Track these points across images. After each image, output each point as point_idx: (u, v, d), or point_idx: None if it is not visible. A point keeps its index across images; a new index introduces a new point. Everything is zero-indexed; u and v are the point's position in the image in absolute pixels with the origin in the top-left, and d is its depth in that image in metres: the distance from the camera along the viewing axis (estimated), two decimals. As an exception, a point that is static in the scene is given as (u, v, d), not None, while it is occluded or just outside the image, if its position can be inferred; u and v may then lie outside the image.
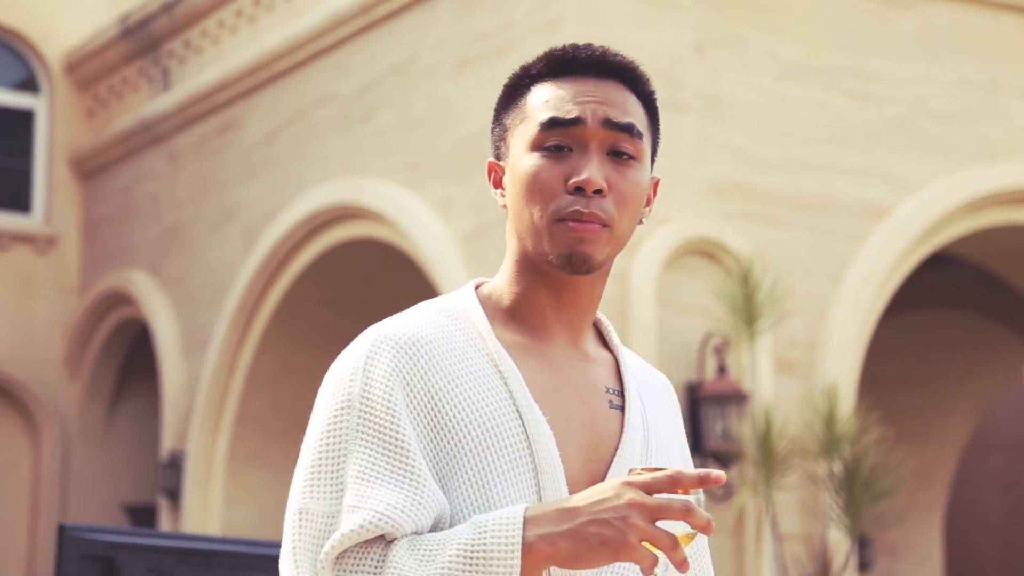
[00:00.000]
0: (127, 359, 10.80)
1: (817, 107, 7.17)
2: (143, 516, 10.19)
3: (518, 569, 1.47)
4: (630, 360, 1.72)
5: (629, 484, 1.46)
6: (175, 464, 9.26)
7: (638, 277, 6.48)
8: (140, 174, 10.31)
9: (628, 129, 1.59)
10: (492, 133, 1.67)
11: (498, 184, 1.67)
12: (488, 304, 1.65)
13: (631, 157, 1.60)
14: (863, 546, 10.58)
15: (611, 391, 1.66)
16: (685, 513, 1.43)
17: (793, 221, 7.05)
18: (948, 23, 7.49)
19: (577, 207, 1.56)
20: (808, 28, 7.21)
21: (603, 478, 1.60)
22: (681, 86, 6.76)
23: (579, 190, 1.57)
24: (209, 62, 9.64)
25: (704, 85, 6.89)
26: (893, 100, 7.32)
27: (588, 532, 1.46)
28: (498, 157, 1.66)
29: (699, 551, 1.73)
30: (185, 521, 9.13)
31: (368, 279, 8.75)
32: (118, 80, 10.71)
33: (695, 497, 1.47)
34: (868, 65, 7.30)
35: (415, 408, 1.56)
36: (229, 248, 9.17)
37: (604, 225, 1.57)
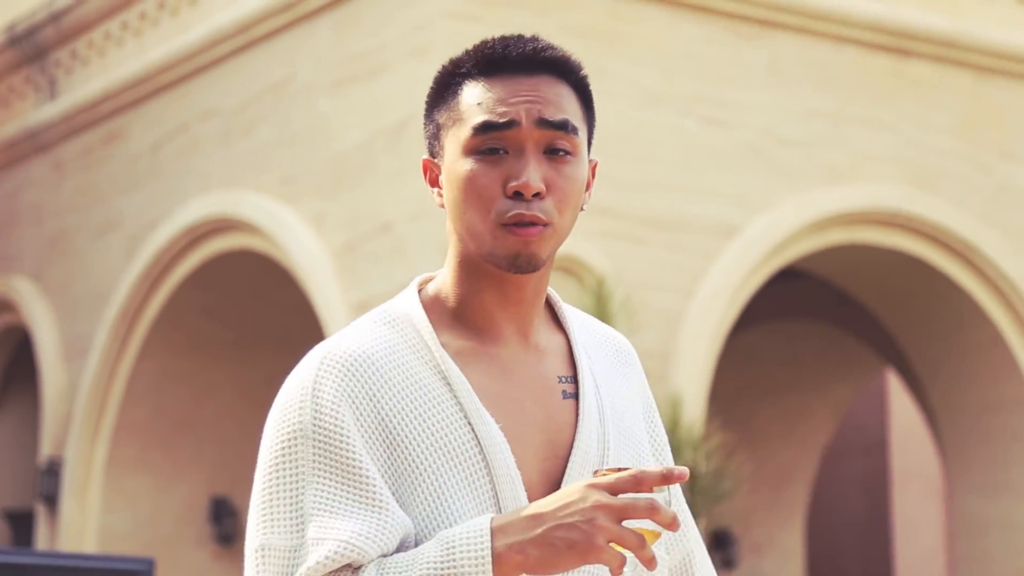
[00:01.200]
0: (10, 365, 10.92)
1: (672, 132, 7.58)
2: (22, 522, 10.30)
3: None
4: (585, 331, 1.69)
5: (594, 486, 1.46)
6: (53, 470, 9.38)
7: (498, 291, 6.83)
8: (24, 181, 10.46)
9: (563, 127, 1.56)
10: (424, 129, 1.63)
11: (434, 183, 1.63)
12: (434, 307, 1.61)
13: (567, 153, 1.57)
14: (728, 545, 11.05)
15: (564, 379, 1.62)
16: (650, 511, 1.43)
17: (649, 239, 7.45)
18: (795, 54, 7.95)
19: (519, 211, 1.54)
20: (665, 58, 7.62)
21: (561, 475, 1.59)
22: (544, 110, 7.12)
23: (518, 194, 1.54)
24: (95, 73, 9.83)
25: (566, 109, 7.26)
26: (744, 126, 7.76)
27: (555, 537, 1.45)
28: (432, 155, 1.63)
29: (675, 537, 1.71)
30: (62, 527, 9.28)
31: (247, 289, 9.02)
32: (4, 88, 10.84)
33: (661, 495, 1.46)
34: (721, 93, 7.73)
35: (366, 430, 1.53)
36: (111, 256, 9.38)
37: (546, 225, 1.55)
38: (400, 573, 1.48)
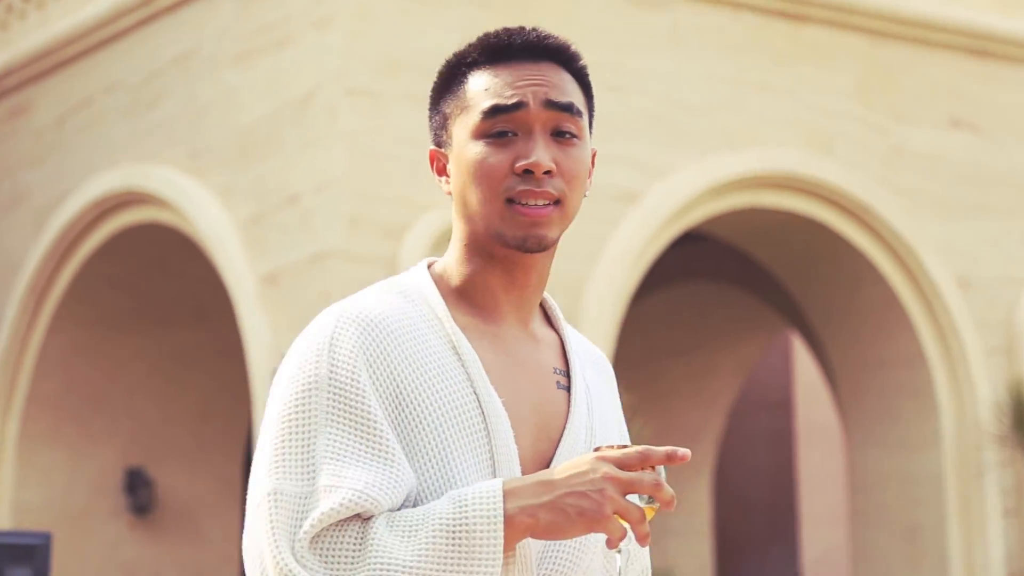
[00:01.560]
0: None
1: (575, 100, 7.71)
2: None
3: (502, 541, 1.49)
4: (573, 339, 1.73)
5: (604, 459, 1.49)
6: None
7: (405, 261, 6.94)
8: (-71, 156, 10.37)
9: (569, 108, 1.60)
10: (430, 120, 1.67)
11: (442, 172, 1.66)
12: (440, 284, 1.65)
13: (573, 135, 1.61)
14: (638, 504, 11.29)
15: (558, 372, 1.67)
16: (655, 488, 1.48)
17: (553, 206, 7.58)
18: (695, 22, 8.10)
19: (528, 187, 1.57)
20: (567, 26, 7.73)
21: (551, 457, 1.63)
22: (448, 80, 7.22)
23: (528, 172, 1.57)
24: (-2, 46, 9.76)
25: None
26: (645, 93, 7.90)
27: (566, 503, 1.48)
28: (439, 145, 1.66)
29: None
30: None
31: (157, 262, 9.03)
32: (-95, 62, 10.72)
33: (660, 475, 1.50)
34: (622, 61, 7.87)
35: (379, 387, 1.56)
36: (19, 231, 9.34)
37: (556, 202, 1.59)
38: (411, 527, 1.50)
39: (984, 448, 8.38)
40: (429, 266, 1.68)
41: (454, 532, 1.49)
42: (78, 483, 9.47)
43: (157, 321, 9.34)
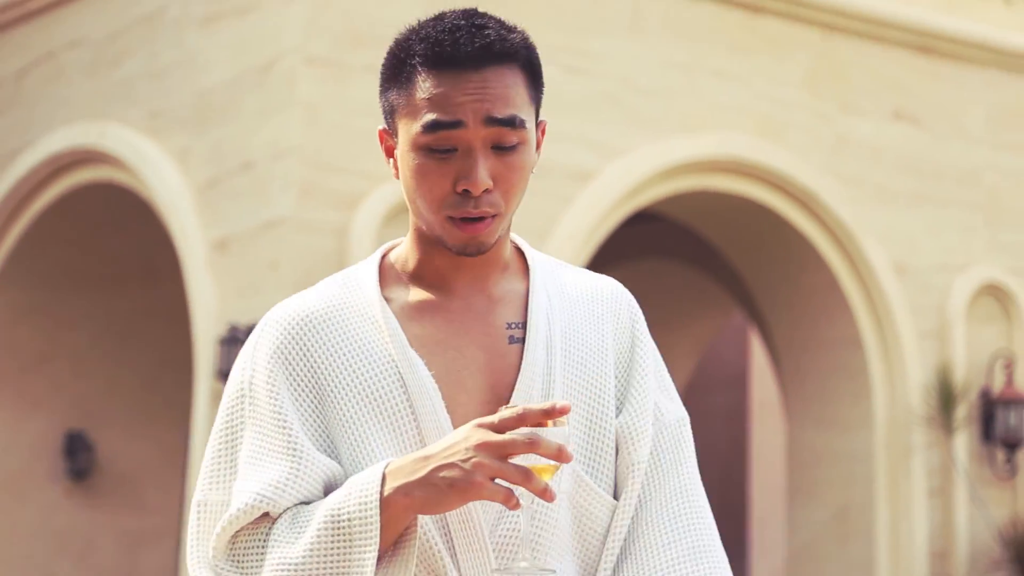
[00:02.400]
0: None
1: (533, 78, 7.83)
2: None
3: (377, 527, 1.51)
4: (555, 279, 1.73)
5: (480, 426, 1.50)
6: None
7: (357, 232, 7.05)
8: None
9: (511, 122, 1.62)
10: (380, 99, 1.68)
11: (390, 153, 1.69)
12: (392, 269, 1.70)
13: (515, 145, 1.63)
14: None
15: (512, 326, 1.68)
16: (531, 446, 1.47)
17: (507, 182, 7.72)
18: (655, 8, 8.23)
19: (467, 208, 1.61)
20: (527, 8, 7.85)
21: None
22: (408, 54, 7.31)
23: (467, 191, 1.61)
24: (-43, -4, 9.74)
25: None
26: (603, 75, 8.04)
27: (437, 477, 1.50)
28: (387, 127, 1.68)
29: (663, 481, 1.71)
30: None
31: (111, 221, 9.07)
32: None
33: (563, 430, 1.49)
34: (582, 43, 7.99)
35: (299, 385, 1.61)
36: (-27, 183, 9.35)
37: (493, 216, 1.62)
38: (307, 521, 1.54)
39: (913, 429, 8.63)
40: (387, 252, 1.73)
41: (335, 522, 1.52)
42: (16, 445, 9.30)
43: (110, 280, 9.36)
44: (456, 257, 1.66)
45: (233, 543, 1.57)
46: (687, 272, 10.79)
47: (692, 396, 12.98)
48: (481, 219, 1.61)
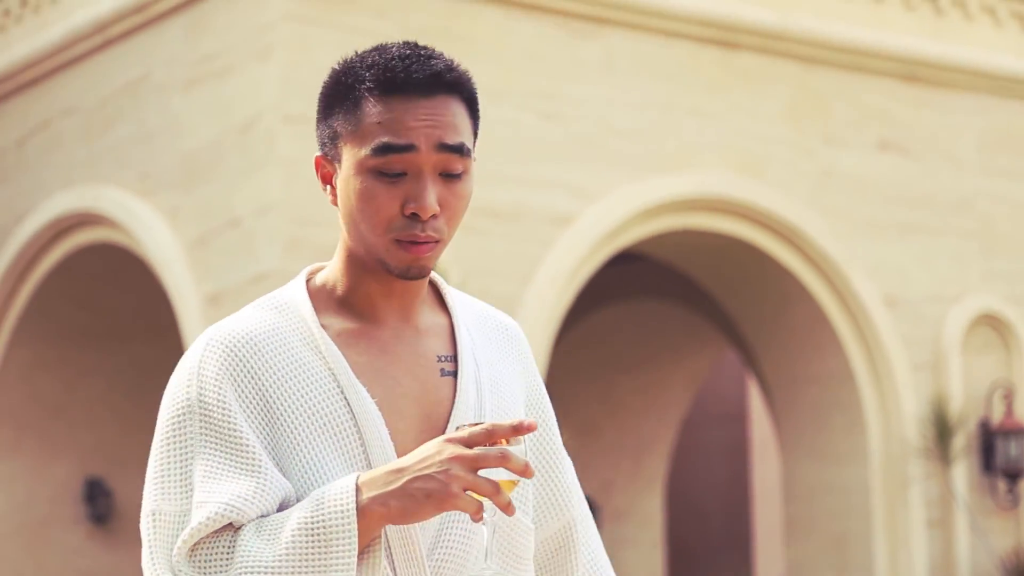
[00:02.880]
0: None
1: (510, 126, 8.00)
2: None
3: (355, 534, 1.56)
4: (470, 313, 1.79)
5: (450, 440, 1.55)
6: None
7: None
8: None
9: (459, 150, 1.65)
10: (319, 127, 1.69)
11: (327, 180, 1.70)
12: (320, 294, 1.72)
13: (461, 173, 1.67)
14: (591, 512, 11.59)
15: (443, 359, 1.72)
16: (502, 460, 1.53)
17: (488, 229, 7.87)
18: (629, 50, 8.38)
19: (415, 231, 1.64)
20: (502, 56, 8.02)
21: None
22: (385, 108, 7.49)
23: (415, 215, 1.64)
24: (-38, 68, 10.03)
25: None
26: (579, 119, 8.19)
27: (413, 488, 1.55)
28: (326, 155, 1.69)
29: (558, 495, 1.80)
30: None
31: (111, 279, 9.30)
32: None
33: (522, 447, 1.55)
34: (557, 88, 8.15)
35: (247, 404, 1.64)
36: (-18, 248, 9.63)
37: (437, 241, 1.66)
38: (276, 529, 1.58)
39: (909, 461, 8.67)
40: (310, 276, 1.75)
41: (312, 529, 1.56)
42: (39, 492, 9.75)
43: (114, 336, 9.63)
44: (388, 284, 1.70)
45: (193, 552, 1.61)
46: (676, 310, 10.89)
47: (690, 432, 13.05)
48: (426, 243, 1.65)
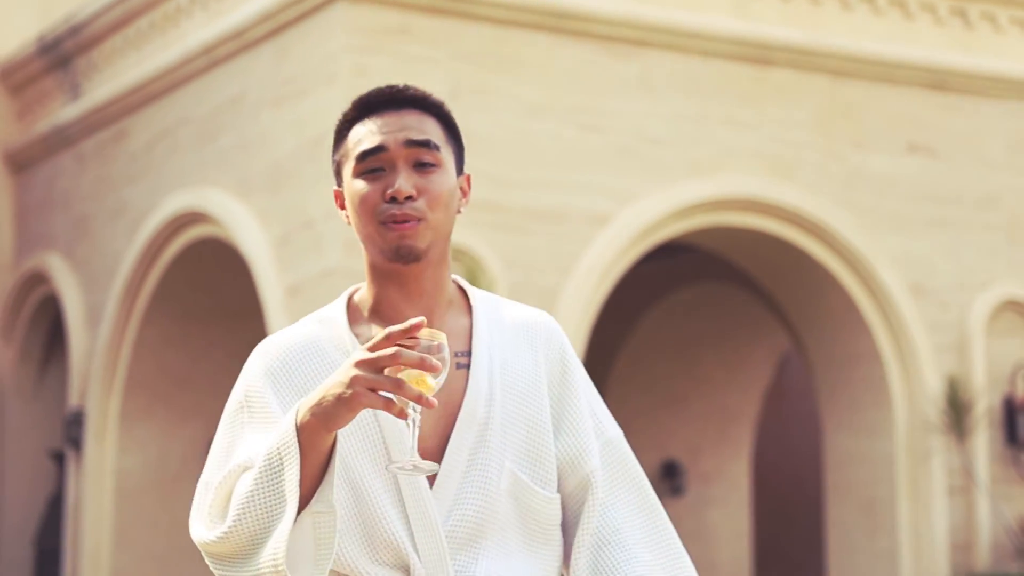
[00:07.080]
0: (52, 327, 12.43)
1: (553, 138, 8.91)
2: (61, 460, 12.01)
3: (296, 447, 1.76)
4: (495, 312, 1.98)
5: (359, 354, 1.74)
6: (78, 419, 10.82)
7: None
8: (56, 172, 12.01)
9: (425, 144, 1.92)
10: (332, 167, 2.01)
11: (342, 206, 2.00)
12: (356, 308, 1.97)
13: (433, 164, 1.92)
14: (676, 475, 12.50)
15: (459, 354, 1.92)
16: (393, 359, 1.69)
17: (534, 229, 8.86)
18: (665, 68, 9.18)
19: (392, 211, 1.89)
20: (547, 76, 8.93)
21: (450, 430, 1.90)
22: (439, 123, 8.53)
23: (394, 199, 1.89)
24: (106, 79, 11.42)
25: (459, 123, 8.66)
26: (617, 130, 9.03)
27: (327, 397, 1.74)
28: (339, 185, 2.00)
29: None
30: (87, 467, 10.84)
31: (227, 268, 10.59)
32: (39, 89, 12.35)
33: (441, 355, 1.71)
34: (597, 103, 9.03)
35: (282, 397, 1.92)
36: (120, 238, 10.97)
37: (419, 220, 1.89)
38: (256, 464, 1.83)
39: (930, 435, 9.42)
40: (353, 294, 2.01)
41: (269, 454, 1.81)
42: (170, 452, 11.01)
43: (230, 316, 10.88)
44: (405, 286, 1.92)
45: (213, 501, 1.85)
46: (741, 294, 11.65)
47: (772, 403, 13.70)
48: (406, 221, 1.89)
